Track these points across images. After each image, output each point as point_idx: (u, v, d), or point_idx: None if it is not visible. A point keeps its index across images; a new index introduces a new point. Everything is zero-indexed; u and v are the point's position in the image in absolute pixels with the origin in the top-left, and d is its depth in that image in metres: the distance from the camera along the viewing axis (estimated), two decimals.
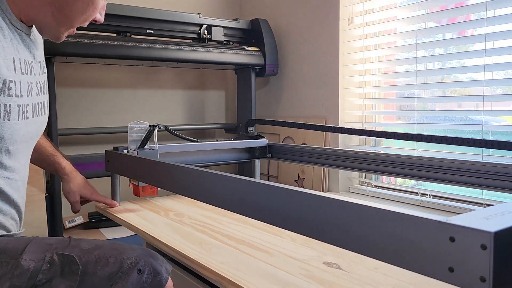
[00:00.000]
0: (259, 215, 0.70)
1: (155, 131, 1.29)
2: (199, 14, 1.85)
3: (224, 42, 1.93)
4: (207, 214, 1.28)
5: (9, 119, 0.79)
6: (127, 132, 1.30)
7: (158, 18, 1.75)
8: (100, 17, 0.89)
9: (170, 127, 1.56)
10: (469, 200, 1.37)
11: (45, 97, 0.93)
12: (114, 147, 1.29)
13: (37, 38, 0.93)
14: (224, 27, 1.93)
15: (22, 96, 0.82)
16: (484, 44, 1.30)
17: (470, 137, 1.05)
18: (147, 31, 1.73)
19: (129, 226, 1.20)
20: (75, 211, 1.19)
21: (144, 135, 1.29)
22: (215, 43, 1.91)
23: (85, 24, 0.87)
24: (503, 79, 1.33)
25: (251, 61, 1.93)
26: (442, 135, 1.07)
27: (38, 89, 0.88)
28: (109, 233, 1.67)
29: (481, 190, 1.31)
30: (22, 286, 0.70)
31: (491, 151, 1.28)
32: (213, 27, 1.88)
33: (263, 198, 0.68)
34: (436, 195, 1.46)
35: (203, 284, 0.97)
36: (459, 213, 0.50)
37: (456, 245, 0.44)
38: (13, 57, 0.79)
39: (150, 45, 1.68)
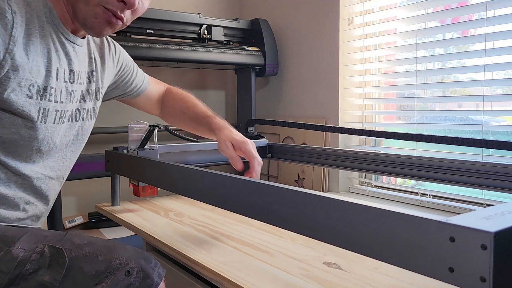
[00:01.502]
0: (259, 215, 0.70)
1: (155, 131, 1.29)
2: (199, 14, 1.85)
3: (224, 42, 1.93)
4: (207, 214, 1.28)
5: (45, 122, 0.85)
6: (127, 132, 1.30)
7: (158, 18, 1.75)
8: None
9: (170, 127, 1.56)
10: (469, 200, 1.37)
11: (89, 104, 0.99)
12: (114, 147, 1.29)
13: (95, 51, 1.00)
14: (224, 27, 1.93)
15: (62, 102, 0.88)
16: (484, 44, 1.30)
17: (470, 137, 1.05)
18: (147, 31, 1.73)
19: (129, 226, 1.20)
20: (238, 168, 1.03)
21: (144, 135, 1.29)
22: (215, 43, 1.91)
23: (112, 6, 0.83)
24: (503, 79, 1.33)
25: (251, 61, 1.93)
26: (442, 135, 1.07)
27: (80, 96, 0.94)
28: (109, 233, 1.67)
29: (481, 190, 1.30)
30: (9, 273, 0.71)
31: (491, 151, 1.28)
32: (213, 27, 1.88)
33: (263, 198, 0.68)
34: (436, 195, 1.46)
35: (203, 284, 0.97)
36: (459, 213, 0.50)
37: (456, 245, 0.44)
38: (57, 67, 0.85)
39: (150, 45, 1.68)
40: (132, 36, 1.69)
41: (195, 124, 1.20)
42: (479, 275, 0.42)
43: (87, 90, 0.97)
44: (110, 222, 1.63)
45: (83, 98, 0.96)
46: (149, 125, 1.30)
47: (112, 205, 1.38)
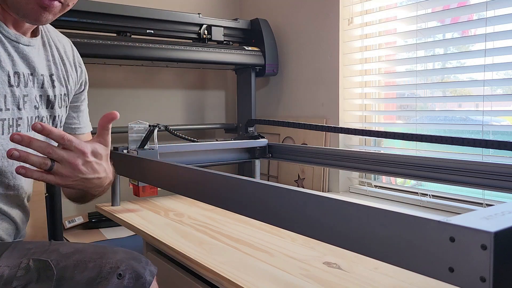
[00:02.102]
0: (259, 215, 0.70)
1: (155, 131, 1.29)
2: (199, 14, 1.85)
3: (224, 42, 1.93)
4: (207, 214, 1.28)
5: None
6: (127, 132, 1.30)
7: (158, 18, 1.75)
8: None
9: (170, 127, 1.56)
10: (469, 200, 1.37)
11: (52, 112, 0.89)
12: (114, 147, 1.29)
13: (57, 55, 0.91)
14: (224, 27, 1.93)
15: (8, 109, 0.79)
16: (484, 44, 1.30)
17: (470, 137, 1.05)
18: (147, 31, 1.73)
19: (129, 226, 1.20)
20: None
21: (144, 135, 1.29)
22: (215, 43, 1.91)
23: None
24: (503, 79, 1.33)
25: (251, 61, 1.93)
26: (442, 135, 1.07)
27: (37, 102, 0.85)
28: (109, 233, 1.67)
29: (481, 190, 1.30)
30: None
31: (491, 151, 1.28)
32: (213, 27, 1.88)
33: (263, 198, 0.68)
34: (436, 195, 1.46)
35: (203, 284, 0.97)
36: (459, 213, 0.50)
37: (456, 245, 0.44)
38: None
39: (150, 45, 1.68)
40: (132, 36, 1.70)
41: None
42: (479, 275, 0.42)
43: (48, 96, 0.88)
44: (110, 222, 1.63)
45: (41, 105, 0.86)
46: (149, 125, 1.30)
47: (112, 205, 1.38)
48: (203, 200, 0.85)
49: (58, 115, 0.91)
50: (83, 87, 1.01)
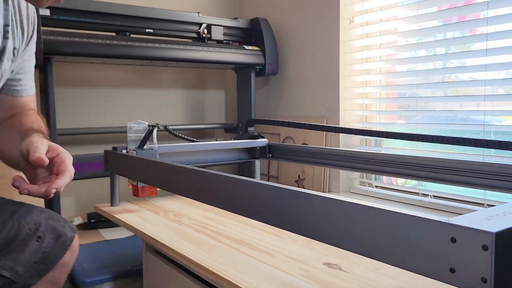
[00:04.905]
0: (259, 216, 0.69)
1: (155, 131, 1.29)
2: (198, 13, 1.85)
3: (224, 41, 1.92)
4: (206, 214, 1.27)
5: None
6: (126, 132, 1.29)
7: (157, 17, 1.74)
8: None
9: (170, 127, 1.56)
10: (471, 200, 1.37)
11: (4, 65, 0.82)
12: (113, 147, 1.29)
13: (10, 3, 0.84)
14: (224, 26, 1.92)
15: None
16: (486, 44, 1.29)
17: (471, 137, 1.04)
18: (146, 30, 1.73)
19: (128, 227, 1.19)
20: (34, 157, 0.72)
21: (143, 135, 1.29)
22: (215, 42, 1.91)
23: None
24: (505, 79, 1.32)
25: (251, 61, 1.93)
26: (443, 135, 1.06)
27: None
28: (108, 234, 1.67)
29: (482, 191, 1.30)
30: None
31: (492, 151, 1.27)
32: (212, 26, 1.88)
33: (263, 198, 0.68)
34: (437, 195, 1.45)
35: (202, 285, 0.96)
36: (461, 214, 0.49)
37: (457, 245, 0.44)
38: None
39: (149, 44, 1.67)
40: (131, 35, 1.69)
41: (8, 131, 0.88)
42: (480, 276, 0.42)
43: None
44: (109, 222, 1.62)
45: None
46: (148, 125, 1.30)
47: (111, 206, 1.37)
48: (202, 201, 0.84)
49: (5, 69, 0.85)
50: (29, 43, 0.92)
